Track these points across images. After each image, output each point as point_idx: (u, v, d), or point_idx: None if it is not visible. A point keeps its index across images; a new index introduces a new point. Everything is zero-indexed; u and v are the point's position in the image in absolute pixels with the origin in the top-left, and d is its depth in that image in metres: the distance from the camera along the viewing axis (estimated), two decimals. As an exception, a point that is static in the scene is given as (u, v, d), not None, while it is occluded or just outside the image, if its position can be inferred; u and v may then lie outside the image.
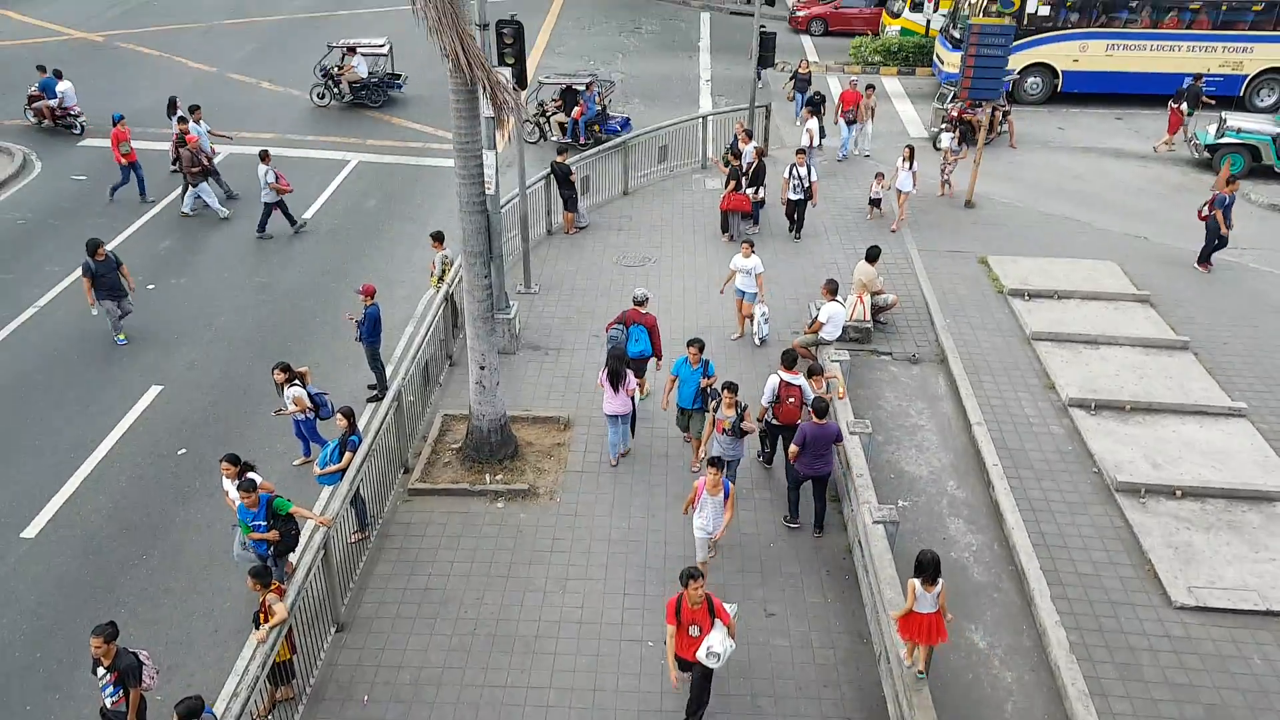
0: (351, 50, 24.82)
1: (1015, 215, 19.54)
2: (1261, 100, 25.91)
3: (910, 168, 18.45)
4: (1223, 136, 21.94)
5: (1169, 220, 19.63)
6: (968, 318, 15.66)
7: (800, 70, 24.32)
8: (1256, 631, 9.99)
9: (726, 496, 9.95)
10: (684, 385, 11.91)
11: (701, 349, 11.79)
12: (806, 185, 17.57)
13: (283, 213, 18.36)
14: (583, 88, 22.42)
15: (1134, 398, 13.59)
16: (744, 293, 14.85)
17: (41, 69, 23.30)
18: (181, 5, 34.44)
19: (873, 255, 15.00)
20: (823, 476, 11.12)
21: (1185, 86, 23.59)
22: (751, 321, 14.91)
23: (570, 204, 18.26)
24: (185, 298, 16.45)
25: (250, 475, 9.97)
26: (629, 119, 23.06)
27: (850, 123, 21.85)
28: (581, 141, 21.91)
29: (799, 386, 11.50)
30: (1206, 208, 17.25)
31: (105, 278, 14.68)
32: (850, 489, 11.04)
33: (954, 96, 23.25)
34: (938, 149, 21.15)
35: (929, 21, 29.01)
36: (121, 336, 15.03)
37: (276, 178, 17.88)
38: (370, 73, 24.99)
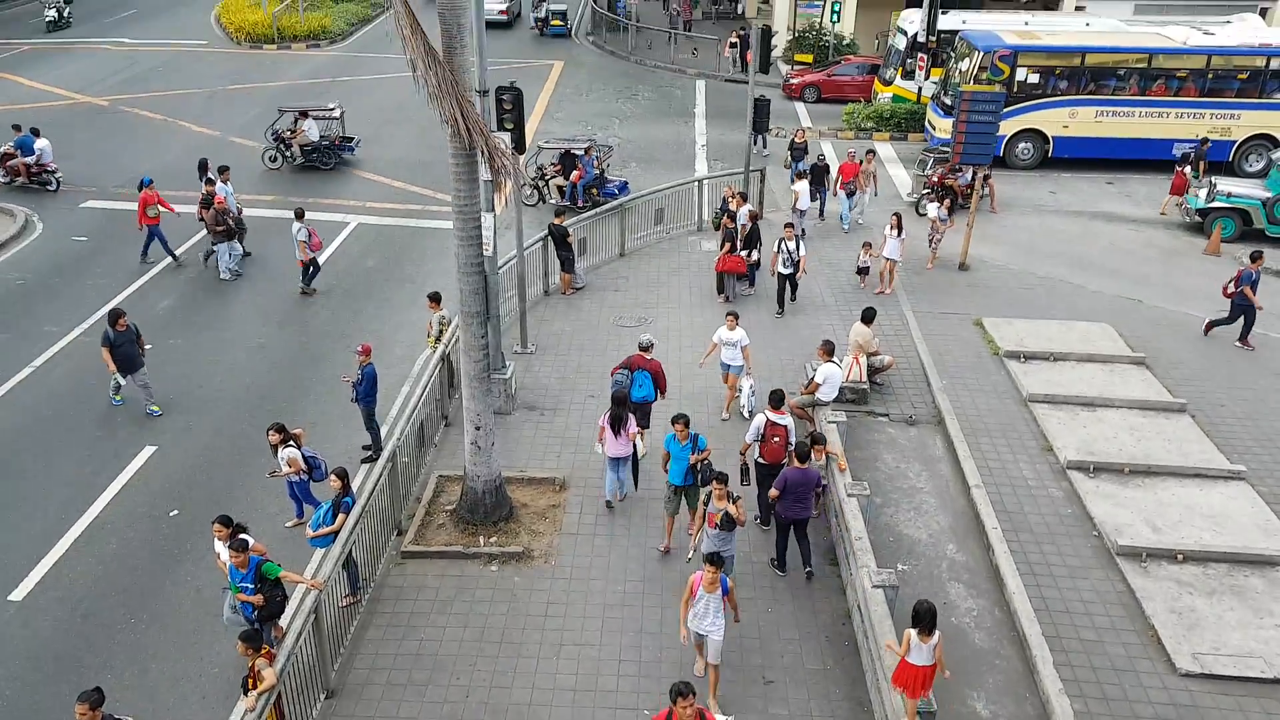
0: (303, 114, 25.16)
1: (1009, 278, 19.69)
2: (1250, 165, 26.26)
3: (899, 235, 18.42)
4: (1213, 201, 22.21)
5: (1163, 283, 19.78)
6: (964, 380, 15.68)
7: (796, 140, 24.38)
8: (1264, 700, 9.82)
9: (725, 593, 9.32)
10: (675, 462, 11.51)
11: (687, 424, 11.37)
12: (795, 260, 17.43)
13: (305, 270, 18.54)
14: (581, 152, 22.75)
15: (1133, 460, 13.54)
16: (729, 366, 14.56)
17: (17, 128, 23.55)
18: (186, 71, 35.08)
19: (868, 317, 15.06)
20: (804, 520, 11.24)
21: (1192, 150, 23.93)
22: (738, 394, 14.62)
23: (567, 265, 18.39)
24: (182, 358, 16.44)
25: (242, 536, 9.85)
26: (627, 182, 23.35)
27: (850, 194, 21.74)
28: (580, 204, 22.15)
29: (784, 426, 11.70)
30: (1232, 284, 17.00)
31: (122, 349, 14.45)
32: (849, 552, 10.92)
33: (934, 162, 23.63)
34: (920, 214, 21.44)
35: (920, 89, 29.52)
36: (155, 408, 14.77)
37: (309, 235, 18.15)
38: (322, 136, 25.23)
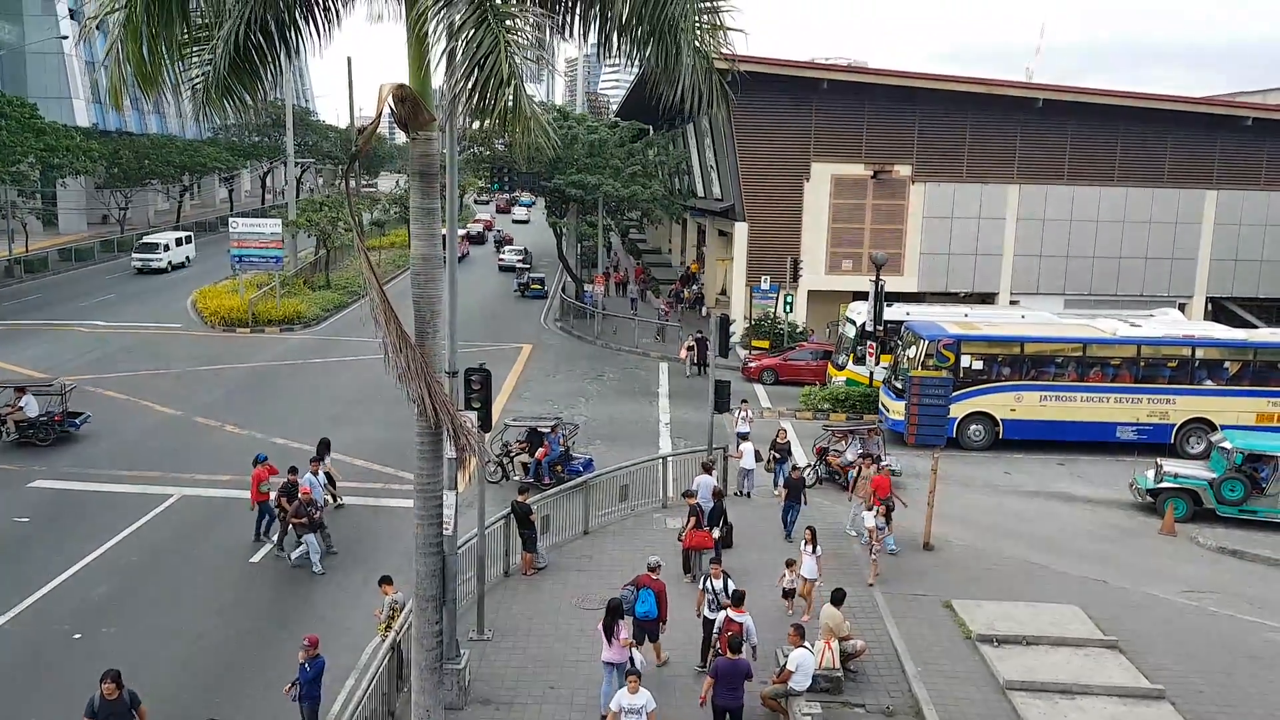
0: (20, 390, 25.05)
1: (974, 558, 19.61)
2: (1192, 448, 27.19)
3: (814, 551, 16.65)
4: (1162, 481, 22.77)
5: (1124, 563, 19.81)
6: (939, 665, 15.15)
7: (779, 439, 23.17)
8: None
9: None
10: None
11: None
12: (721, 603, 14.16)
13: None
14: (548, 430, 23.10)
15: (1120, 753, 12.89)
16: None
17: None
18: (156, 353, 35.77)
19: (838, 599, 14.74)
20: (736, 708, 12.15)
21: None
22: None
23: (529, 544, 18.05)
24: (112, 648, 15.42)
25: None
26: (592, 459, 23.57)
27: (890, 509, 19.25)
28: (545, 482, 22.19)
29: (741, 624, 13.03)
30: None
31: None
32: None
33: (832, 435, 24.38)
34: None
35: (872, 373, 30.84)
36: None
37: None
38: (46, 411, 24.94)
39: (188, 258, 58.05)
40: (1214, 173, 40.44)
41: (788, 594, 16.70)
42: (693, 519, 17.93)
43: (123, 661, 14.92)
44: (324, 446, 21.32)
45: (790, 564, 16.62)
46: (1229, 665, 15.58)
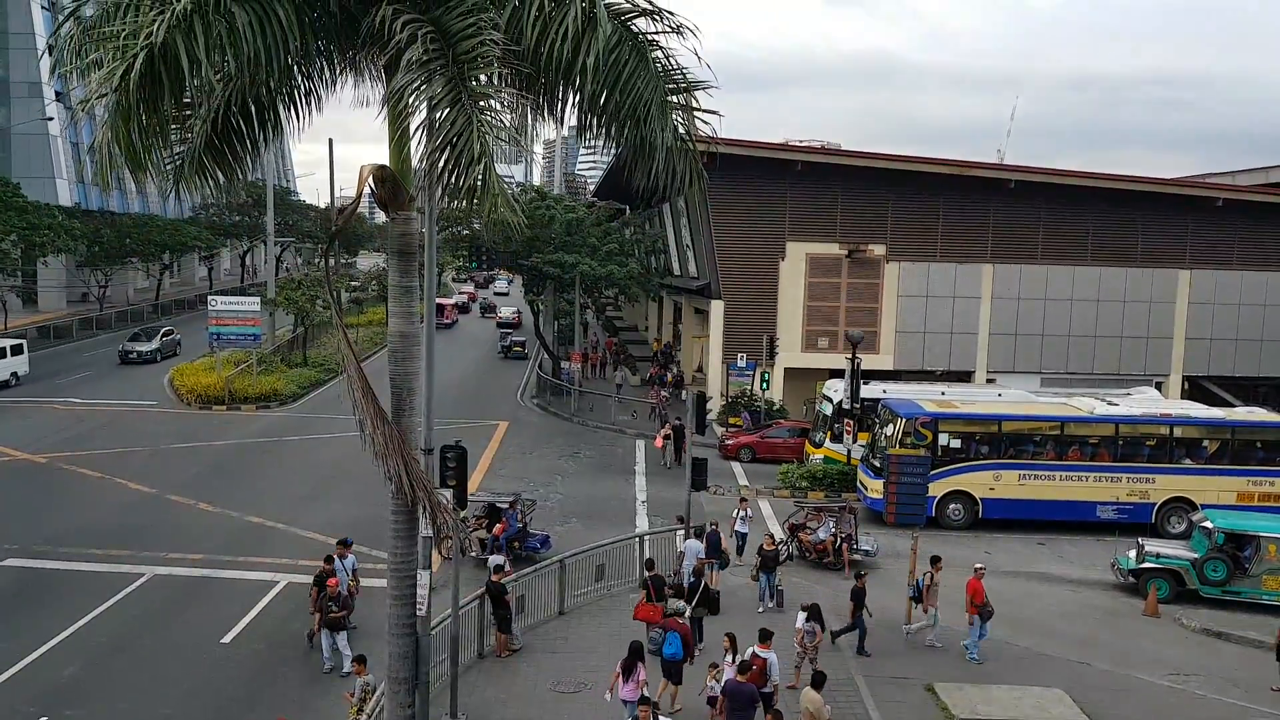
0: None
1: (955, 639, 19.37)
2: (1173, 527, 27.04)
3: (734, 660, 14.77)
4: (1144, 562, 22.69)
5: (1108, 645, 19.63)
6: (921, 750, 14.87)
7: (765, 546, 20.98)
8: None
9: None
10: None
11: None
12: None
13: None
14: (505, 505, 22.92)
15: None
16: None
17: None
18: (130, 430, 35.40)
19: (818, 682, 14.47)
20: None
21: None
22: None
23: (504, 625, 17.72)
24: (75, 733, 15.00)
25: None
26: (549, 536, 23.55)
27: (987, 617, 18.46)
28: (504, 557, 21.93)
29: (765, 659, 14.23)
30: None
31: None
32: None
33: (804, 513, 24.29)
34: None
35: (849, 451, 30.84)
36: None
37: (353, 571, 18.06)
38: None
39: (14, 374, 43.03)
40: (1187, 252, 41.24)
41: (711, 701, 15.03)
42: (644, 591, 17.62)
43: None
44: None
45: (713, 668, 15.09)
46: (1215, 748, 15.37)
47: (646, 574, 18.28)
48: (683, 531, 21.17)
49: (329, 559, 18.47)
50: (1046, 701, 16.63)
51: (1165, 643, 20.25)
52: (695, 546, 19.84)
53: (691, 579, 18.44)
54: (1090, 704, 16.57)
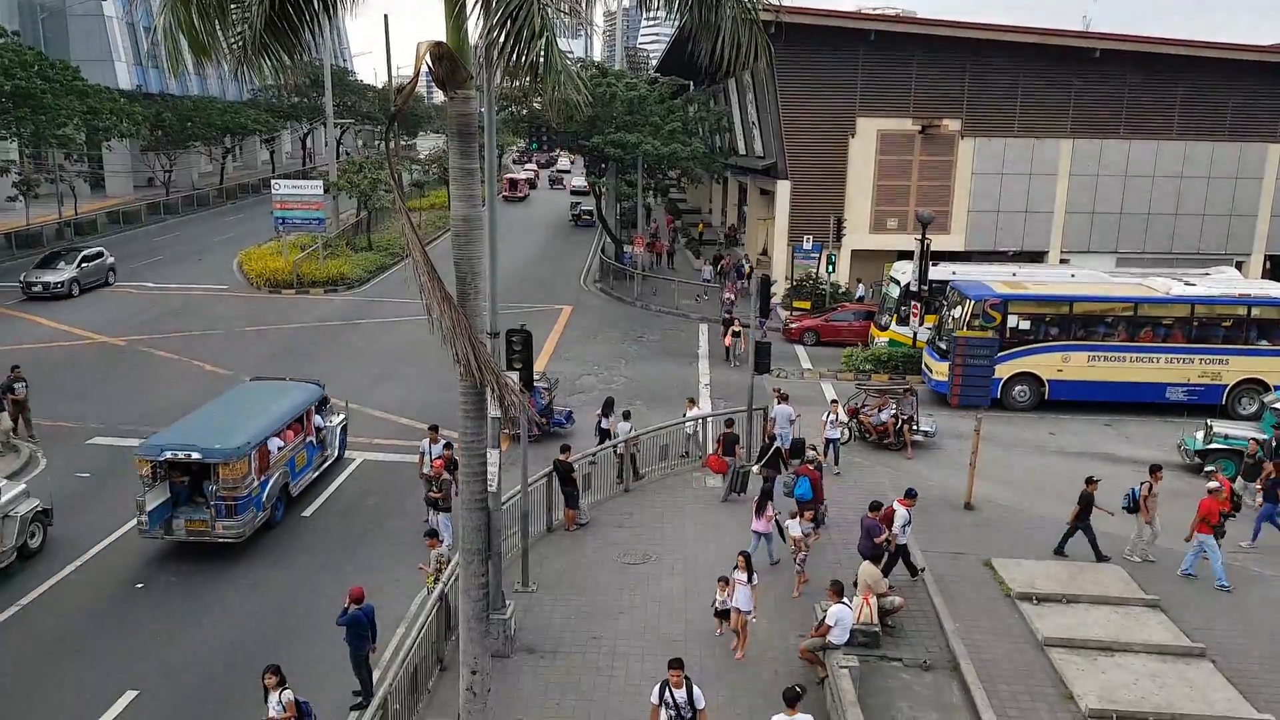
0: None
1: (1015, 518, 19.52)
2: (1244, 408, 26.66)
3: (749, 579, 14.11)
4: (1211, 442, 22.40)
5: (1169, 524, 19.50)
6: (977, 622, 15.20)
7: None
8: None
9: None
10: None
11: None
12: (683, 717, 11.33)
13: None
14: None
15: (1157, 709, 12.90)
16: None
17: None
18: (204, 314, 36.46)
19: (877, 556, 14.81)
20: None
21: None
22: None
23: (571, 501, 18.33)
24: (172, 597, 16.05)
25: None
26: (571, 412, 24.28)
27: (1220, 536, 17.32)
28: (532, 433, 22.62)
29: (896, 510, 15.86)
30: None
31: None
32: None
33: (865, 397, 24.14)
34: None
35: (915, 334, 30.54)
36: None
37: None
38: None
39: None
40: (1278, 126, 39.12)
41: (720, 614, 14.61)
42: (718, 445, 20.05)
43: (182, 608, 15.53)
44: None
45: (722, 581, 14.54)
46: (1274, 625, 15.44)
47: (725, 429, 20.31)
48: (774, 399, 22.40)
49: (448, 444, 18.14)
50: (1104, 577, 16.77)
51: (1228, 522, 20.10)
52: (785, 411, 21.51)
53: (765, 442, 20.14)
54: (1147, 580, 16.67)
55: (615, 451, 20.54)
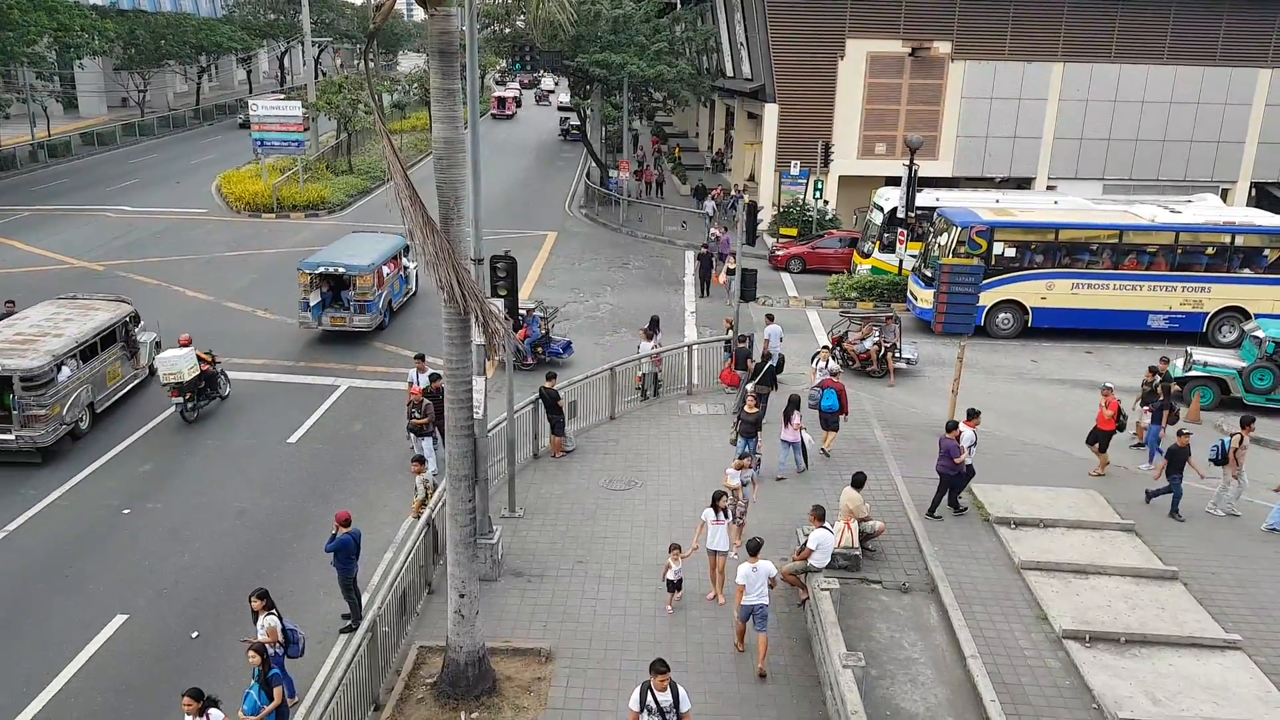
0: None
1: (995, 444, 19.74)
2: (1224, 336, 26.92)
3: (727, 519, 13.84)
4: (1190, 370, 22.66)
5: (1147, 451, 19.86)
6: (955, 546, 15.50)
7: (749, 410, 17.49)
8: None
9: None
10: None
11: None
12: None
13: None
14: (524, 313, 23.25)
15: (1128, 629, 13.25)
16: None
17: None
18: (183, 238, 35.96)
19: (858, 481, 15.02)
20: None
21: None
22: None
23: (558, 428, 18.42)
24: (159, 522, 16.15)
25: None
26: (570, 342, 24.32)
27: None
28: (528, 362, 23.09)
29: (963, 433, 16.27)
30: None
31: None
32: (845, 729, 10.48)
33: (850, 325, 24.28)
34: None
35: (900, 261, 30.48)
36: None
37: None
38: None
39: None
40: (1270, 51, 38.71)
41: (672, 586, 13.70)
42: (730, 359, 21.05)
43: (169, 534, 15.64)
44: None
45: (675, 549, 13.60)
46: (1245, 549, 15.81)
47: (737, 344, 20.89)
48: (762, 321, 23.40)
49: (434, 376, 18.04)
50: (1081, 502, 17.08)
51: (1204, 448, 20.42)
52: (776, 330, 22.40)
53: (758, 360, 20.19)
54: (1124, 505, 16.99)
55: (639, 367, 21.26)
